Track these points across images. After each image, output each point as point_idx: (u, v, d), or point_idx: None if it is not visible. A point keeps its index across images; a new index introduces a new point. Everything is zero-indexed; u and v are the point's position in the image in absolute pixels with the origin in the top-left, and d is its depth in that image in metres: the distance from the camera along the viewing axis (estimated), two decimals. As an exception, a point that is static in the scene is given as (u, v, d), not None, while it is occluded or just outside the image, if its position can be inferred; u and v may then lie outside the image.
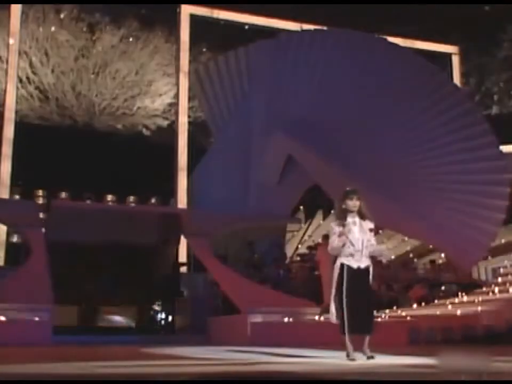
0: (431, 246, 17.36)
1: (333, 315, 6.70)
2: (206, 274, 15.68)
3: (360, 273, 6.60)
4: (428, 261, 17.25)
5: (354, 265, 6.61)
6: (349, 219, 6.67)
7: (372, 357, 6.37)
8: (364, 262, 6.64)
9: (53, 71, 24.25)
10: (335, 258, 6.78)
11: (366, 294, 6.60)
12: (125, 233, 15.38)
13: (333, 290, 6.69)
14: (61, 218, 14.98)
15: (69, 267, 15.76)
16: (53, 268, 13.19)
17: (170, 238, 16.26)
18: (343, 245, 6.63)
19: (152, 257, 16.88)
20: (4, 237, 19.68)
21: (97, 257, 16.24)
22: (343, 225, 6.65)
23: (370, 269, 6.70)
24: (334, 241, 6.68)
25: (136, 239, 15.82)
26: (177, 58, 22.63)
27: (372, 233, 6.73)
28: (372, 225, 6.71)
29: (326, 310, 12.32)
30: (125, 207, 16.49)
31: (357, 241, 6.63)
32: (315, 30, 18.74)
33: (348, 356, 6.45)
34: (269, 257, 16.37)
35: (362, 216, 6.68)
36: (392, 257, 18.15)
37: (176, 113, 22.47)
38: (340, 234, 6.63)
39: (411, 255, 18.25)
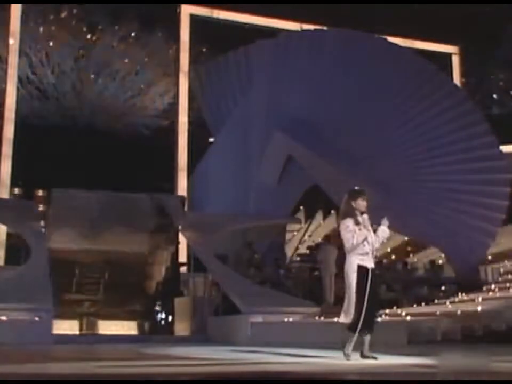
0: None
1: (349, 315, 6.43)
2: (206, 274, 15.69)
3: (373, 274, 6.53)
4: (428, 261, 17.23)
5: (369, 265, 6.48)
6: (359, 218, 6.55)
7: (375, 358, 6.34)
8: (373, 262, 6.59)
9: (53, 71, 24.25)
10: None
11: (377, 294, 6.54)
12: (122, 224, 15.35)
13: (353, 292, 6.41)
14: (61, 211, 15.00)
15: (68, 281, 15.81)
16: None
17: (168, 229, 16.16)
18: (363, 240, 6.45)
19: (150, 260, 16.86)
20: (4, 237, 19.67)
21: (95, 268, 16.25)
22: (358, 223, 6.49)
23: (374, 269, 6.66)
24: (353, 238, 6.40)
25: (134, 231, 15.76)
26: (177, 58, 22.63)
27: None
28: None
29: (327, 310, 12.35)
30: (124, 195, 16.43)
31: (370, 241, 6.53)
32: (315, 30, 18.74)
33: (347, 355, 6.39)
34: (269, 257, 16.36)
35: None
36: (393, 257, 18.14)
37: (176, 113, 22.47)
38: (359, 228, 6.45)
39: (411, 255, 18.24)
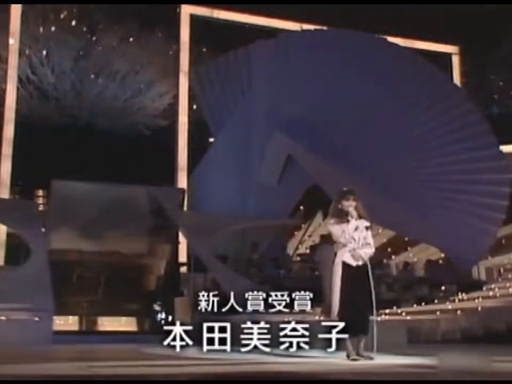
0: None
1: (334, 314, 6.67)
2: (206, 274, 15.69)
3: (359, 272, 6.63)
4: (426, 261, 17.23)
5: (353, 263, 6.64)
6: (349, 217, 6.70)
7: (371, 358, 6.37)
8: (357, 260, 6.68)
9: (53, 71, 24.24)
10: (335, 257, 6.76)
11: (365, 294, 6.60)
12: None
13: (336, 289, 6.67)
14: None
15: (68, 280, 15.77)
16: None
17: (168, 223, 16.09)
18: (343, 244, 6.64)
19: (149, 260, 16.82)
20: (4, 237, 19.66)
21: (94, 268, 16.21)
22: (346, 221, 6.67)
23: (369, 267, 6.72)
24: (342, 233, 6.65)
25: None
26: (177, 58, 22.62)
27: (369, 232, 6.75)
28: (367, 224, 6.75)
29: (327, 310, 12.34)
30: (125, 187, 16.36)
31: (354, 240, 6.66)
32: (315, 30, 18.75)
33: (349, 354, 6.43)
34: (269, 257, 16.36)
35: (358, 216, 6.72)
36: (393, 257, 18.15)
37: (176, 113, 22.46)
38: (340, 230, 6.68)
39: (410, 255, 18.24)
